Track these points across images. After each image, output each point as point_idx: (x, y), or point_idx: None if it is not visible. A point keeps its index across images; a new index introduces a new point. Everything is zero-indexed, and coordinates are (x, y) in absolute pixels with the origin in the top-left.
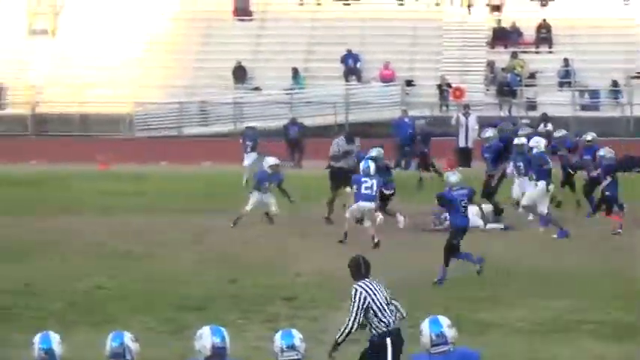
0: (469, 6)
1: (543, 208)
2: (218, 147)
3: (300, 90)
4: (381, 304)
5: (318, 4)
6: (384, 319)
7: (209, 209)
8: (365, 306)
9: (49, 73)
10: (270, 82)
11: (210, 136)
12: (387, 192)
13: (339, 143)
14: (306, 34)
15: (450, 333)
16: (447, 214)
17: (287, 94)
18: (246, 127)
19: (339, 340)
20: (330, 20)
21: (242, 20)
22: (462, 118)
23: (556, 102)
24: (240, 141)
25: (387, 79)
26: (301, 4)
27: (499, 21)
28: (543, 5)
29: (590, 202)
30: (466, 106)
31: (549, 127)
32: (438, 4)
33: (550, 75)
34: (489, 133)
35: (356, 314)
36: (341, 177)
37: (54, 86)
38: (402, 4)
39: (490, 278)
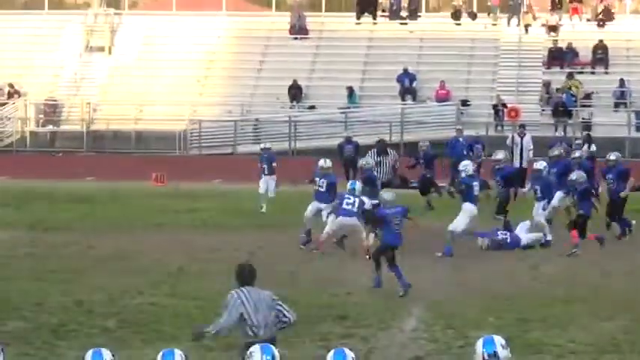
0: (526, 26)
1: (461, 227)
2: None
3: (355, 109)
4: (251, 315)
5: (375, 23)
6: (252, 330)
7: (262, 227)
8: (238, 312)
9: (105, 90)
10: (325, 101)
11: None
12: (372, 202)
13: (369, 155)
14: (362, 52)
15: (504, 353)
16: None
17: (342, 112)
18: (262, 148)
19: (209, 331)
20: (387, 39)
21: (298, 39)
22: (517, 139)
23: (611, 123)
24: (258, 164)
25: (442, 98)
26: (358, 23)
27: (555, 41)
28: (600, 26)
29: (618, 223)
30: (521, 126)
31: (593, 148)
32: (494, 24)
33: (606, 96)
34: (500, 155)
35: (229, 315)
36: None
37: (110, 103)
38: (458, 24)
39: (541, 299)
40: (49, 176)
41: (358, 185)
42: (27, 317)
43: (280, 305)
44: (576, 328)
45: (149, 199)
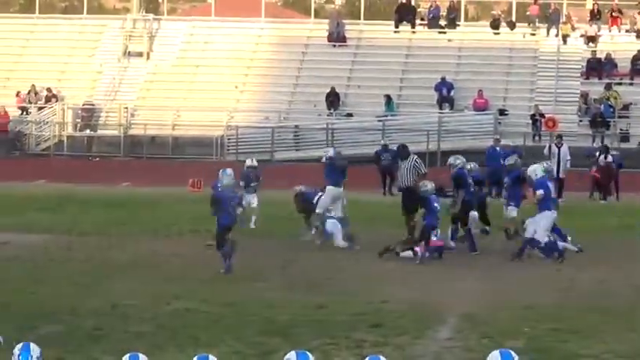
0: (564, 36)
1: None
2: (309, 172)
3: (392, 117)
4: None
5: (413, 32)
6: None
7: (297, 234)
8: None
9: (143, 95)
10: (362, 109)
11: (301, 161)
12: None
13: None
14: (400, 61)
15: None
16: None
17: (379, 120)
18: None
19: None
20: (425, 48)
21: (336, 46)
22: (555, 149)
23: None
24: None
25: (480, 107)
26: (396, 32)
27: (594, 52)
28: (639, 37)
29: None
30: (559, 137)
31: (609, 159)
32: (533, 34)
33: None
34: (452, 159)
35: None
36: (405, 197)
37: (147, 108)
38: (497, 33)
39: (576, 309)
40: (86, 181)
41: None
42: (62, 321)
43: None
44: (612, 339)
45: (185, 205)
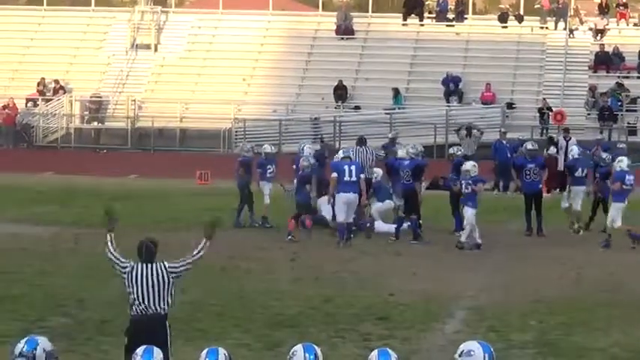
0: (572, 30)
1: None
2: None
3: (400, 110)
4: (141, 291)
5: (421, 25)
6: (139, 306)
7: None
8: (125, 281)
9: (151, 87)
10: (370, 102)
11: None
12: None
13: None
14: (408, 54)
15: None
16: None
17: (387, 113)
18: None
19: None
20: (433, 41)
21: (344, 39)
22: (562, 142)
23: None
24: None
25: (488, 101)
26: (404, 24)
27: (602, 45)
28: None
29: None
30: (566, 130)
31: (552, 151)
32: (541, 27)
33: None
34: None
35: (115, 258)
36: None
37: (155, 101)
38: (505, 27)
39: (583, 302)
40: (93, 173)
41: None
42: (70, 313)
43: (176, 268)
44: (619, 333)
45: (192, 198)
